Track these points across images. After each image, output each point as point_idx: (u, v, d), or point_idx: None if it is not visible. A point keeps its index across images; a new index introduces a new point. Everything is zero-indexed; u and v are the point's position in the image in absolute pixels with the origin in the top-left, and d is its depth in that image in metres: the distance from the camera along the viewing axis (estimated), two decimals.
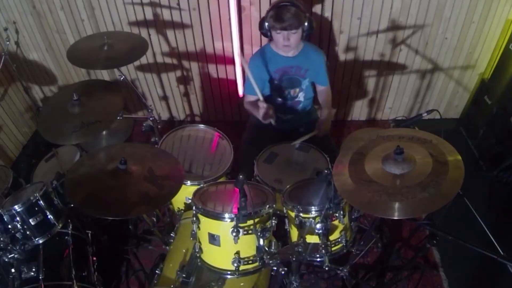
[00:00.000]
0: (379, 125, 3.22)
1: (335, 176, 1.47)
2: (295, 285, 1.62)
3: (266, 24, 1.98)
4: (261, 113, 2.03)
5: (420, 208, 1.29)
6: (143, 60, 2.93)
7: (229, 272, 1.57)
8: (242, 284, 1.68)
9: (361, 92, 3.09)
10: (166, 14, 2.67)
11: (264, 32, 2.04)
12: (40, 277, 1.72)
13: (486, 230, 2.20)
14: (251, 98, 2.19)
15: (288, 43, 1.99)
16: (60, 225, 1.88)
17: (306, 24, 1.97)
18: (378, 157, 1.46)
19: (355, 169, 1.46)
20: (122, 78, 2.14)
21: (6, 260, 1.71)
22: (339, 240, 1.64)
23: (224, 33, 2.72)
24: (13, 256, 1.71)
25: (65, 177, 1.91)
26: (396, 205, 1.29)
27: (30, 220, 1.75)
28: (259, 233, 1.49)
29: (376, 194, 1.34)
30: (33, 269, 1.75)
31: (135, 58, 2.20)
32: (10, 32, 2.81)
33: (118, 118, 2.04)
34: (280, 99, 2.26)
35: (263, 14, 2.57)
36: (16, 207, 1.70)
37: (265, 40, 2.71)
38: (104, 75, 3.09)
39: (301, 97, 2.27)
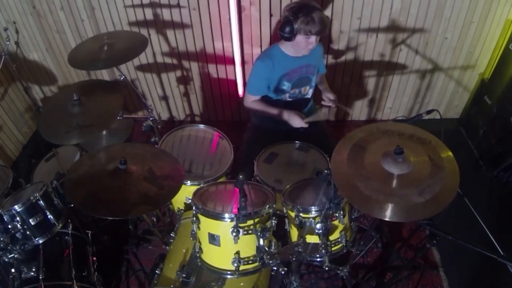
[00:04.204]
0: None
1: (334, 164, 1.46)
2: (295, 285, 1.62)
3: (295, 27, 1.92)
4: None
5: (415, 214, 1.29)
6: (143, 60, 2.93)
7: (229, 272, 1.57)
8: (242, 284, 1.68)
9: (361, 92, 3.09)
10: (166, 14, 2.67)
11: (287, 35, 1.96)
12: (40, 277, 1.72)
13: (486, 230, 2.20)
14: (254, 98, 2.20)
15: (313, 46, 2.01)
16: (60, 225, 1.88)
17: None
18: (377, 153, 1.45)
19: (354, 163, 1.46)
20: (122, 78, 2.14)
21: (6, 260, 1.71)
22: (339, 240, 1.65)
23: (224, 33, 2.72)
24: (13, 256, 1.71)
25: (65, 177, 1.90)
26: (390, 207, 1.29)
27: (30, 220, 1.75)
28: (259, 233, 1.49)
29: (374, 193, 1.34)
30: (33, 269, 1.75)
31: (135, 55, 2.15)
32: (10, 32, 2.81)
33: (118, 118, 2.04)
34: (290, 99, 2.24)
35: (263, 14, 2.59)
36: (16, 207, 1.70)
37: (265, 40, 2.73)
38: (104, 75, 3.09)
39: (310, 93, 2.30)
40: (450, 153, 1.42)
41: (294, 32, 1.94)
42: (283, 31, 1.96)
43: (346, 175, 1.41)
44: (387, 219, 1.29)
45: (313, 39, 1.97)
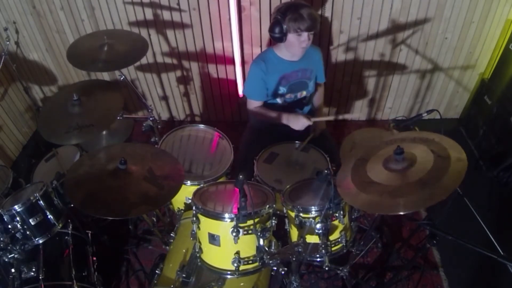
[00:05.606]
0: (379, 125, 3.22)
1: (342, 193, 1.48)
2: (295, 285, 1.62)
3: (284, 27, 1.90)
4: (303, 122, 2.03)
5: (423, 202, 1.29)
6: (143, 60, 2.93)
7: (229, 272, 1.57)
8: (242, 284, 1.68)
9: (361, 92, 3.09)
10: (166, 14, 2.67)
11: (277, 35, 1.95)
12: (40, 277, 1.72)
13: (486, 230, 2.20)
14: (257, 103, 2.20)
15: (306, 44, 1.96)
16: (60, 225, 1.88)
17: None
18: (379, 160, 1.46)
19: (358, 173, 1.47)
20: (122, 78, 2.14)
21: (6, 260, 1.71)
22: (339, 240, 1.64)
23: (224, 33, 2.72)
24: (13, 256, 1.71)
25: (65, 177, 1.90)
26: (400, 201, 1.30)
27: (30, 220, 1.75)
28: (259, 233, 1.49)
29: (378, 193, 1.34)
30: (33, 269, 1.75)
31: (135, 60, 2.18)
32: (10, 32, 2.81)
33: (118, 118, 2.04)
34: (286, 104, 2.23)
35: (263, 14, 2.59)
36: (16, 207, 1.70)
37: (265, 40, 2.73)
38: (104, 75, 3.09)
39: (307, 98, 2.28)
40: (455, 143, 1.41)
41: (284, 31, 1.92)
42: (273, 32, 1.95)
43: (353, 188, 1.43)
44: (401, 213, 1.31)
45: (304, 36, 1.93)
